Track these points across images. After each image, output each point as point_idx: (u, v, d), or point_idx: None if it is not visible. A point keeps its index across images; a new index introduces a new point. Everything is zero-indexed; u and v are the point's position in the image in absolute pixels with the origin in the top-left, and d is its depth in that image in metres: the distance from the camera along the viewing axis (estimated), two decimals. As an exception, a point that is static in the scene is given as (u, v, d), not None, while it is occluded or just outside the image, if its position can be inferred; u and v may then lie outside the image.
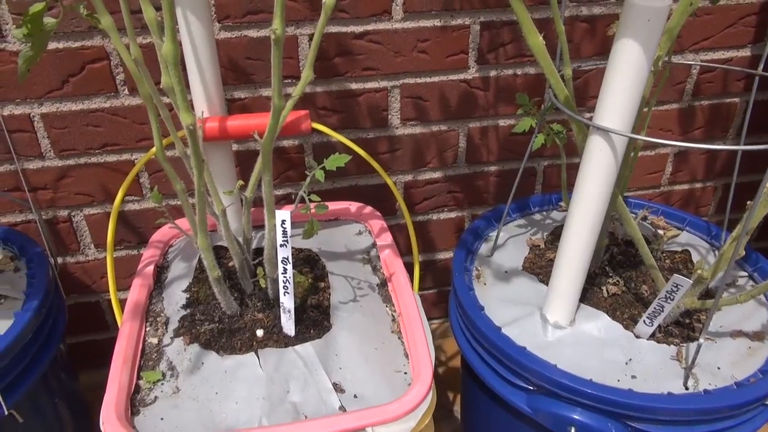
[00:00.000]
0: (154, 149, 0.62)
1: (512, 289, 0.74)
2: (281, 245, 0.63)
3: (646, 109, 0.78)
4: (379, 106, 1.00)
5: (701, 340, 0.57)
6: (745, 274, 0.75)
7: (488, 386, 0.68)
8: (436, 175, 1.09)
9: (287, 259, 0.63)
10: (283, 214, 0.62)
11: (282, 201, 1.06)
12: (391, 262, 0.74)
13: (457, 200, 1.13)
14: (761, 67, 0.72)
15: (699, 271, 0.61)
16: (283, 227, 0.62)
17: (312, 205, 0.59)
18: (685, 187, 1.20)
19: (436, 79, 0.99)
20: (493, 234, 0.82)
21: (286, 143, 1.00)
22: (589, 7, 0.97)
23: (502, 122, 1.05)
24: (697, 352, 0.59)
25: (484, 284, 0.75)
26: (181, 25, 0.65)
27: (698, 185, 1.20)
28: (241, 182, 0.66)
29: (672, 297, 0.60)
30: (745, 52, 1.06)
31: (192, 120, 0.52)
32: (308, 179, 0.59)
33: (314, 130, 0.82)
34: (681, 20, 0.61)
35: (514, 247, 0.81)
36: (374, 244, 0.80)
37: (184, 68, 0.67)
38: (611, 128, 0.53)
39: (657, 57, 0.62)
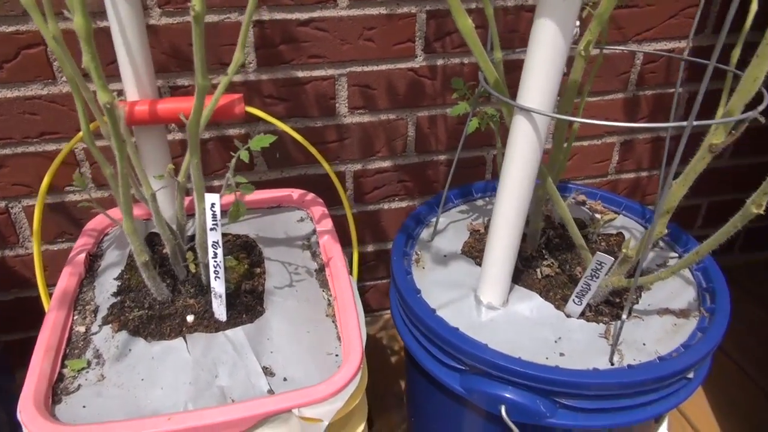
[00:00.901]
0: (80, 134, 0.60)
1: (450, 272, 0.74)
2: (211, 229, 0.62)
3: (583, 99, 0.79)
4: (326, 95, 1.00)
5: (624, 317, 0.58)
6: (676, 255, 0.77)
7: (425, 369, 0.68)
8: (386, 164, 1.09)
9: (217, 243, 0.62)
10: (212, 198, 0.61)
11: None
12: (330, 247, 0.74)
13: (407, 189, 1.13)
14: (686, 53, 0.73)
15: (624, 250, 0.62)
16: (212, 210, 0.62)
17: (238, 190, 0.58)
18: (632, 175, 1.22)
19: (383, 67, 0.99)
20: (435, 219, 0.83)
21: (231, 131, 0.99)
22: (532, -4, 0.98)
23: (450, 111, 1.05)
24: (620, 328, 0.60)
25: (423, 268, 0.75)
26: (108, 6, 0.64)
27: (644, 174, 1.23)
28: (171, 166, 0.65)
29: (597, 275, 0.61)
30: (683, 43, 1.09)
31: (109, 98, 0.51)
32: (233, 160, 0.59)
33: (251, 115, 0.82)
34: (609, 6, 0.62)
35: (454, 232, 0.82)
36: (315, 231, 0.80)
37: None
38: (532, 108, 0.54)
39: (587, 42, 0.63)
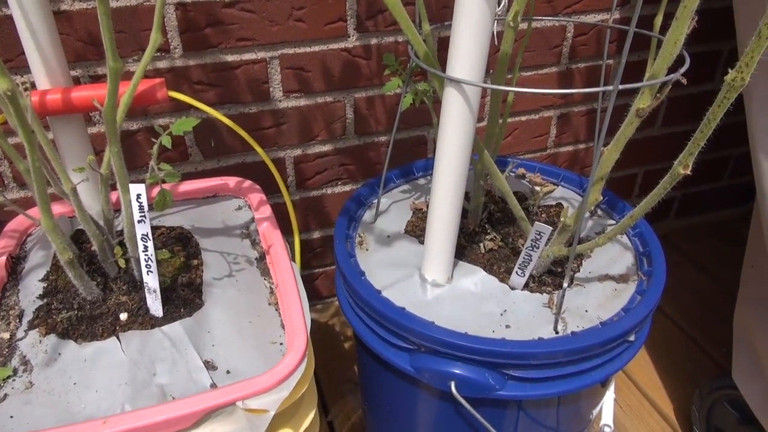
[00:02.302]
0: (-13, 127, 0.56)
1: (394, 252, 0.73)
2: (139, 221, 0.59)
3: (515, 73, 0.79)
4: (258, 79, 0.96)
5: (565, 285, 0.59)
6: (613, 222, 0.78)
7: (375, 351, 0.67)
8: (326, 148, 1.07)
9: (147, 236, 0.59)
10: (138, 188, 0.58)
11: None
12: (270, 234, 0.72)
13: (350, 173, 1.11)
14: (610, 20, 0.74)
15: (563, 219, 0.63)
16: (138, 202, 0.58)
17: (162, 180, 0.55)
18: (570, 148, 1.24)
19: (316, 48, 0.97)
20: (377, 201, 0.82)
21: (161, 121, 0.95)
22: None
23: (383, 89, 1.04)
24: (562, 297, 0.60)
25: (367, 250, 0.74)
26: (9, -11, 0.59)
27: (582, 146, 1.25)
28: (92, 157, 0.61)
29: (537, 245, 0.61)
30: (615, 15, 1.11)
31: (9, 85, 0.47)
32: (155, 146, 0.56)
33: (182, 103, 0.78)
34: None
35: (397, 212, 0.81)
36: (253, 219, 0.77)
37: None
38: (462, 78, 0.53)
39: (515, 12, 0.62)
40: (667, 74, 0.53)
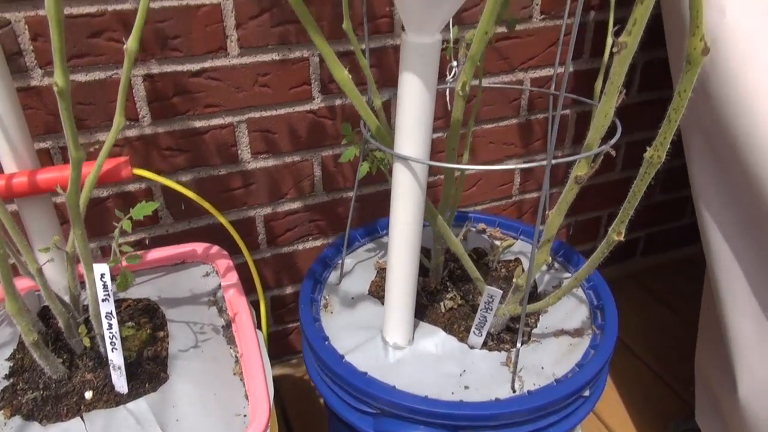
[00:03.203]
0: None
1: (357, 314, 0.75)
2: (103, 300, 0.61)
3: (468, 133, 0.83)
4: (227, 142, 0.99)
5: (518, 345, 0.61)
6: (569, 275, 0.81)
7: (339, 415, 0.68)
8: (296, 205, 1.09)
9: (111, 313, 0.61)
10: (101, 268, 0.60)
11: (136, 246, 1.02)
12: (236, 302, 0.74)
13: (320, 228, 1.14)
14: (553, 86, 0.78)
15: (516, 280, 0.65)
16: (102, 281, 0.60)
17: (123, 258, 0.57)
18: (534, 195, 1.28)
19: (282, 111, 1.00)
20: (341, 261, 0.84)
21: (132, 188, 0.97)
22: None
23: (341, 158, 1.07)
24: (516, 356, 0.62)
25: (332, 313, 0.76)
26: (-26, 78, 0.61)
27: (551, 191, 1.29)
28: (57, 237, 0.63)
29: (490, 307, 0.63)
30: (568, 67, 1.16)
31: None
32: (117, 230, 0.58)
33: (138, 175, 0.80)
34: (480, 48, 0.65)
35: (361, 272, 0.83)
36: (220, 285, 0.79)
37: None
38: (409, 156, 0.56)
39: (463, 83, 0.66)
40: (604, 140, 0.56)
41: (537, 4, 1.07)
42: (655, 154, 0.46)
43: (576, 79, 1.17)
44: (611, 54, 0.52)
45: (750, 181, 0.64)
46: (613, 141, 0.56)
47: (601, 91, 0.74)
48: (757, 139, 0.61)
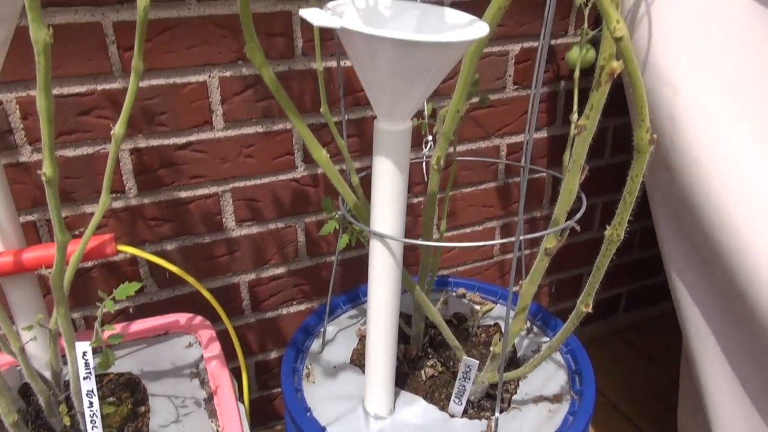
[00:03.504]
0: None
1: (339, 384, 0.76)
2: (84, 378, 0.61)
3: (446, 201, 0.86)
4: (211, 211, 1.02)
5: (496, 415, 0.62)
6: (547, 339, 0.83)
7: (322, 488, 0.68)
8: (280, 270, 1.11)
9: (92, 392, 0.61)
10: (83, 346, 0.61)
11: (119, 316, 1.02)
12: (218, 373, 0.74)
13: (304, 292, 1.15)
14: (524, 155, 0.82)
15: (493, 348, 0.67)
16: (84, 359, 0.61)
17: (105, 335, 0.58)
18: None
19: (266, 180, 1.03)
20: (323, 330, 0.85)
21: (117, 258, 0.98)
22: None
23: (321, 231, 1.10)
24: (495, 426, 0.63)
25: (314, 383, 0.77)
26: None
27: (527, 252, 1.32)
28: (40, 316, 0.64)
29: (468, 377, 0.64)
30: (543, 134, 1.21)
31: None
32: (100, 310, 0.59)
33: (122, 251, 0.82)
34: (452, 126, 0.69)
35: (344, 339, 0.84)
36: (203, 357, 0.79)
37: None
38: (385, 234, 0.58)
39: (437, 157, 0.69)
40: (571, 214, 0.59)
41: (510, 75, 1.12)
42: (614, 233, 0.49)
43: (550, 144, 1.22)
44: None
45: (714, 251, 0.67)
46: (577, 216, 0.59)
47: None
48: (715, 209, 0.64)
